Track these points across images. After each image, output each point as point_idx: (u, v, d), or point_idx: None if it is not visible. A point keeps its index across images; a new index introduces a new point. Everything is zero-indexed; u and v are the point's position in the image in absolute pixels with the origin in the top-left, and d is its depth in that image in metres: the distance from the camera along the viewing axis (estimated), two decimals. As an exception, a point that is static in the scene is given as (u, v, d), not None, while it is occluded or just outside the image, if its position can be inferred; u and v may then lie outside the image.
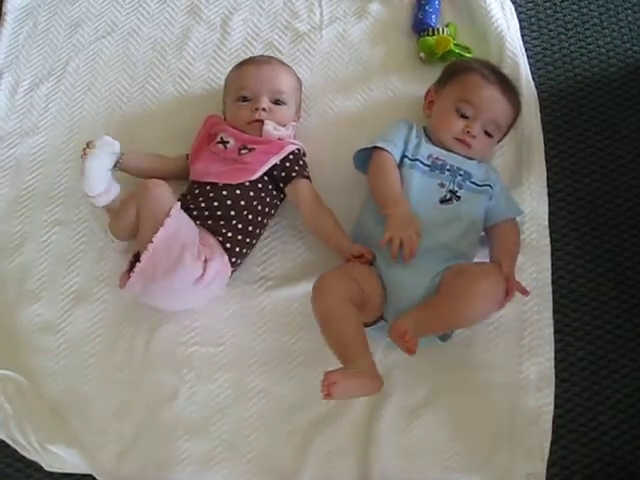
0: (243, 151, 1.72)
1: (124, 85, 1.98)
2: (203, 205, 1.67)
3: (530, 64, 2.00)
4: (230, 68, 1.88)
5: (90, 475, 1.60)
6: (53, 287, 1.75)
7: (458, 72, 1.79)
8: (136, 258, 1.59)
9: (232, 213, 1.66)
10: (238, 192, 1.67)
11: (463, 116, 1.71)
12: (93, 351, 1.69)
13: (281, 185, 1.72)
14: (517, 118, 1.82)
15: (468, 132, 1.70)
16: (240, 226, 1.67)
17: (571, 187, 1.89)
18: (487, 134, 1.73)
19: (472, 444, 1.61)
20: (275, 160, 1.70)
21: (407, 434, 1.61)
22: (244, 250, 1.69)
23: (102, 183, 1.68)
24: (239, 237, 1.67)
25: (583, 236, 1.84)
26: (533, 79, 1.97)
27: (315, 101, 1.93)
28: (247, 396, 1.65)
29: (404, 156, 1.70)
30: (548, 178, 1.85)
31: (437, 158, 1.69)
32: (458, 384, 1.66)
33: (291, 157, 1.72)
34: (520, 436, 1.61)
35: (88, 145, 1.67)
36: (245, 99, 1.77)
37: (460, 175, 1.68)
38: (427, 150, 1.71)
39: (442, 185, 1.67)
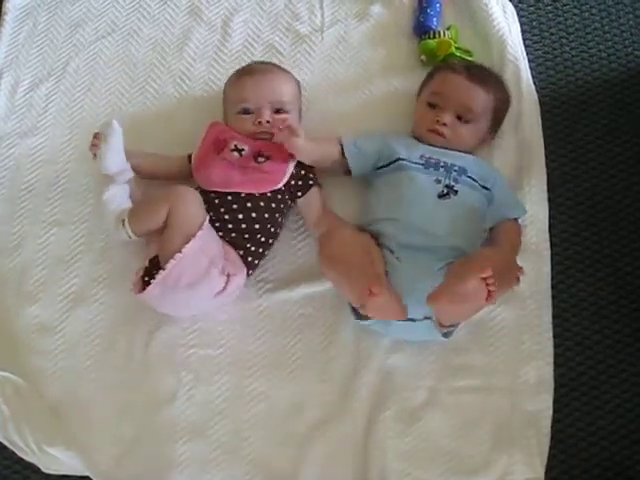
0: (260, 159, 1.70)
1: (124, 86, 1.97)
2: (227, 217, 1.65)
3: (531, 68, 2.00)
4: (231, 70, 1.87)
5: (88, 477, 1.60)
6: (51, 288, 1.75)
7: (431, 74, 1.84)
8: (153, 264, 1.59)
9: (256, 226, 1.66)
10: (262, 204, 1.66)
11: (433, 108, 1.75)
12: (92, 352, 1.69)
13: (299, 194, 1.73)
14: (502, 104, 1.81)
15: (437, 121, 1.72)
16: (262, 239, 1.68)
17: (571, 192, 1.89)
18: (463, 121, 1.73)
19: (471, 448, 1.61)
20: (292, 166, 1.70)
21: (406, 437, 1.61)
22: (260, 262, 1.71)
23: (118, 161, 1.67)
24: (260, 250, 1.68)
25: (583, 241, 1.84)
26: (534, 83, 1.97)
27: (316, 103, 1.92)
28: (246, 398, 1.65)
29: (399, 159, 1.71)
30: (548, 182, 1.85)
31: (430, 157, 1.71)
32: (457, 388, 1.66)
33: (304, 164, 1.73)
34: (519, 440, 1.61)
35: (95, 136, 1.69)
36: (247, 111, 1.76)
37: (455, 170, 1.69)
38: (419, 151, 1.72)
39: (438, 181, 1.68)
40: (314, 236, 1.76)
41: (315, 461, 1.60)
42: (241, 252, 1.65)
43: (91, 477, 1.60)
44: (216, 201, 1.66)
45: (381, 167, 1.74)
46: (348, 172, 1.77)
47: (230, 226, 1.65)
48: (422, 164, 1.70)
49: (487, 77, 1.79)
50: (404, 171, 1.69)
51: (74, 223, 1.82)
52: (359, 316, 1.61)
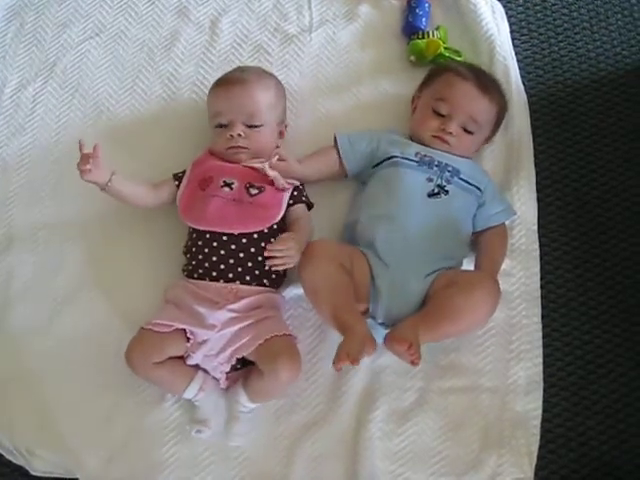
0: (252, 190, 1.66)
1: (112, 86, 1.97)
2: (250, 265, 1.62)
3: (520, 68, 1.99)
4: (219, 70, 1.88)
5: (77, 479, 1.60)
6: (41, 290, 1.75)
7: (435, 73, 1.82)
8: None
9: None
10: (273, 239, 1.63)
11: (440, 114, 1.73)
12: (81, 354, 1.69)
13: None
14: (503, 113, 1.81)
15: (444, 129, 1.71)
16: (283, 271, 1.67)
17: (560, 192, 1.89)
18: (467, 131, 1.73)
19: (460, 448, 1.61)
20: (288, 196, 1.68)
21: (396, 438, 1.62)
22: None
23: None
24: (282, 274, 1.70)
25: (572, 241, 1.84)
26: (523, 83, 1.97)
27: (305, 104, 1.92)
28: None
29: (393, 156, 1.71)
30: (537, 182, 1.85)
31: (425, 155, 1.70)
32: (447, 388, 1.66)
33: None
34: (508, 441, 1.61)
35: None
36: (221, 125, 1.72)
37: (448, 171, 1.69)
38: (415, 148, 1.72)
39: (430, 179, 1.67)
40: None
41: (305, 462, 1.59)
42: (275, 287, 1.67)
43: (80, 479, 1.59)
44: (233, 246, 1.62)
45: (376, 165, 1.74)
46: (344, 175, 1.78)
47: (257, 272, 1.63)
48: (416, 161, 1.69)
49: (492, 85, 1.78)
50: (396, 167, 1.69)
51: (63, 224, 1.81)
52: None
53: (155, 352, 1.54)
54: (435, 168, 1.68)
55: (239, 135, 1.69)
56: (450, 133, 1.71)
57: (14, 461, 1.61)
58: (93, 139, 1.85)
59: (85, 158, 1.58)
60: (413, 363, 1.45)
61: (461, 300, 1.51)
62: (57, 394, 1.65)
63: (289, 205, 1.68)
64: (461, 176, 1.69)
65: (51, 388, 1.66)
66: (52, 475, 1.62)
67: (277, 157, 1.65)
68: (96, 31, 2.04)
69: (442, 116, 1.73)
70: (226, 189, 1.66)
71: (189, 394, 1.58)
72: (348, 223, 1.73)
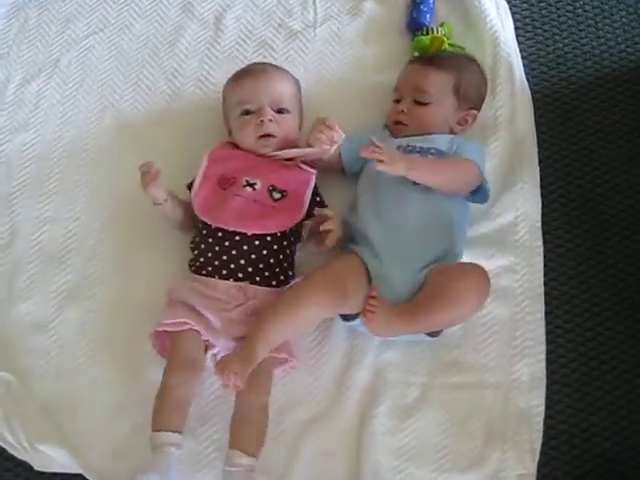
0: (275, 195, 1.66)
1: (116, 82, 1.97)
2: (261, 266, 1.61)
3: (524, 64, 1.99)
4: (223, 66, 1.89)
5: (80, 475, 1.59)
6: (44, 285, 1.75)
7: None
8: None
9: (287, 264, 1.66)
10: (285, 242, 1.65)
11: (396, 102, 1.78)
12: (84, 350, 1.69)
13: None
14: (466, 78, 1.76)
15: (397, 112, 1.74)
16: (291, 273, 1.68)
17: (564, 189, 1.89)
18: (420, 103, 1.73)
19: (463, 445, 1.61)
20: (308, 198, 1.67)
21: (399, 434, 1.61)
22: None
23: None
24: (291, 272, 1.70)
25: (575, 237, 1.84)
26: (527, 80, 1.97)
27: (309, 99, 1.90)
28: (239, 396, 1.64)
29: None
30: (541, 179, 1.85)
31: (407, 145, 1.69)
32: (450, 384, 1.65)
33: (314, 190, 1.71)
34: (511, 437, 1.61)
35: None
36: (248, 112, 1.71)
37: (431, 154, 1.67)
38: (396, 143, 1.71)
39: None
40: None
41: (307, 458, 1.59)
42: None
43: (84, 475, 1.59)
44: (245, 247, 1.61)
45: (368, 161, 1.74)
46: (341, 170, 1.78)
47: (268, 271, 1.63)
48: None
49: (443, 59, 1.80)
50: None
51: (66, 219, 1.81)
52: (344, 318, 1.62)
53: (178, 351, 1.55)
54: (417, 154, 1.66)
55: (270, 120, 1.69)
56: (402, 112, 1.73)
57: (18, 456, 1.60)
58: (97, 134, 1.89)
59: (150, 177, 1.58)
60: (364, 311, 1.48)
61: (450, 288, 1.50)
62: (61, 390, 1.65)
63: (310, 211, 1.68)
64: (446, 155, 1.67)
65: (55, 384, 1.65)
66: (56, 470, 1.61)
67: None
68: (100, 26, 2.04)
69: (398, 102, 1.77)
70: (248, 189, 1.66)
71: (170, 438, 1.47)
72: (345, 220, 1.71)
